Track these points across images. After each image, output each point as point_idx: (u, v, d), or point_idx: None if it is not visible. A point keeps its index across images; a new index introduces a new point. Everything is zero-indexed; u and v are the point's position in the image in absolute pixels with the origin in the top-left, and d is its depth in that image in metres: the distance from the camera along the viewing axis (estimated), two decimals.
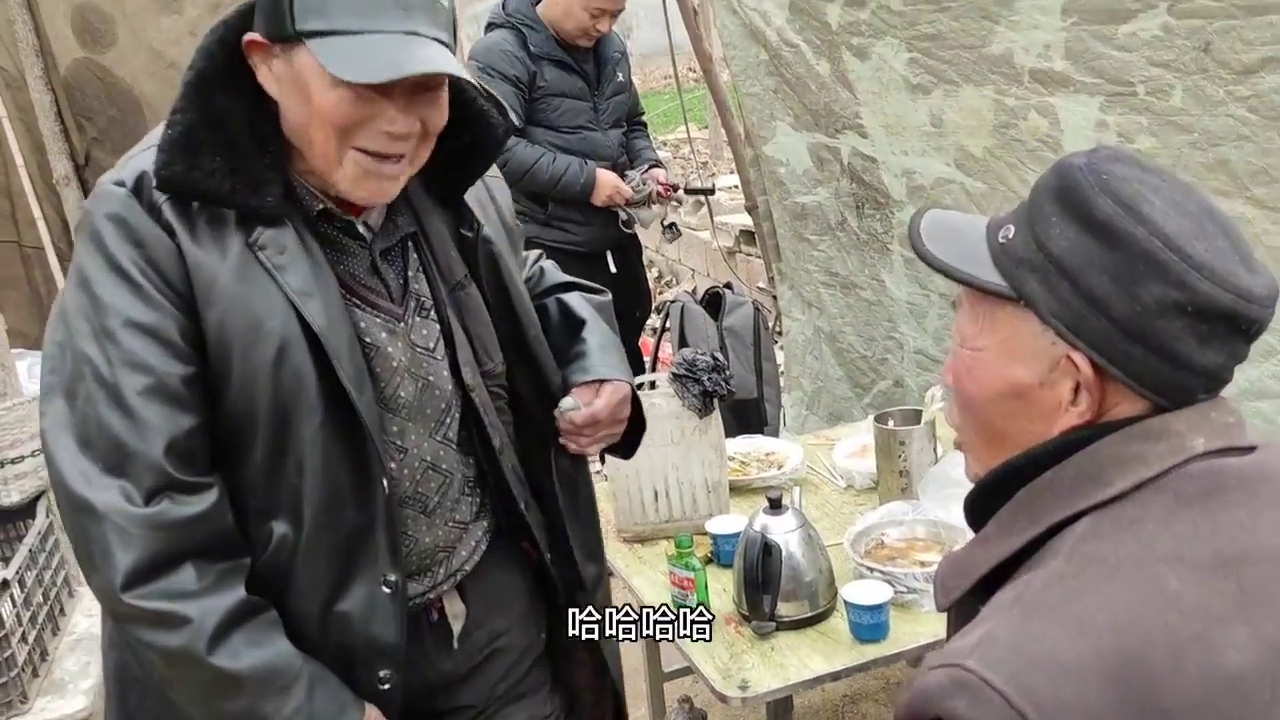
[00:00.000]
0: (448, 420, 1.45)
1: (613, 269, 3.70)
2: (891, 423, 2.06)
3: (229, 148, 1.25)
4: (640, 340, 4.70)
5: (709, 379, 1.98)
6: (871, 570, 1.79)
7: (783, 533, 1.73)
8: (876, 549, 1.89)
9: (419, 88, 1.26)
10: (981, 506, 0.97)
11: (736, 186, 6.04)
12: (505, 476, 1.51)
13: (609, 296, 1.73)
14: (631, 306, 3.86)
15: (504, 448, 1.51)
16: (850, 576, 1.83)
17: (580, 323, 1.62)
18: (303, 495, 1.30)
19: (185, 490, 1.24)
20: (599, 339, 1.60)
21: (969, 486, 1.00)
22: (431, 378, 1.42)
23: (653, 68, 12.45)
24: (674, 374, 2.00)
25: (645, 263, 6.53)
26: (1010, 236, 0.94)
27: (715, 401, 2.01)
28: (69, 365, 1.24)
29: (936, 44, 2.78)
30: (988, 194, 2.86)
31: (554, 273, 1.73)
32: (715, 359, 2.01)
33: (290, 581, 1.32)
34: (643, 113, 3.86)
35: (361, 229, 1.37)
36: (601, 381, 1.54)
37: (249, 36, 1.25)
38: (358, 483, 1.33)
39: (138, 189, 1.25)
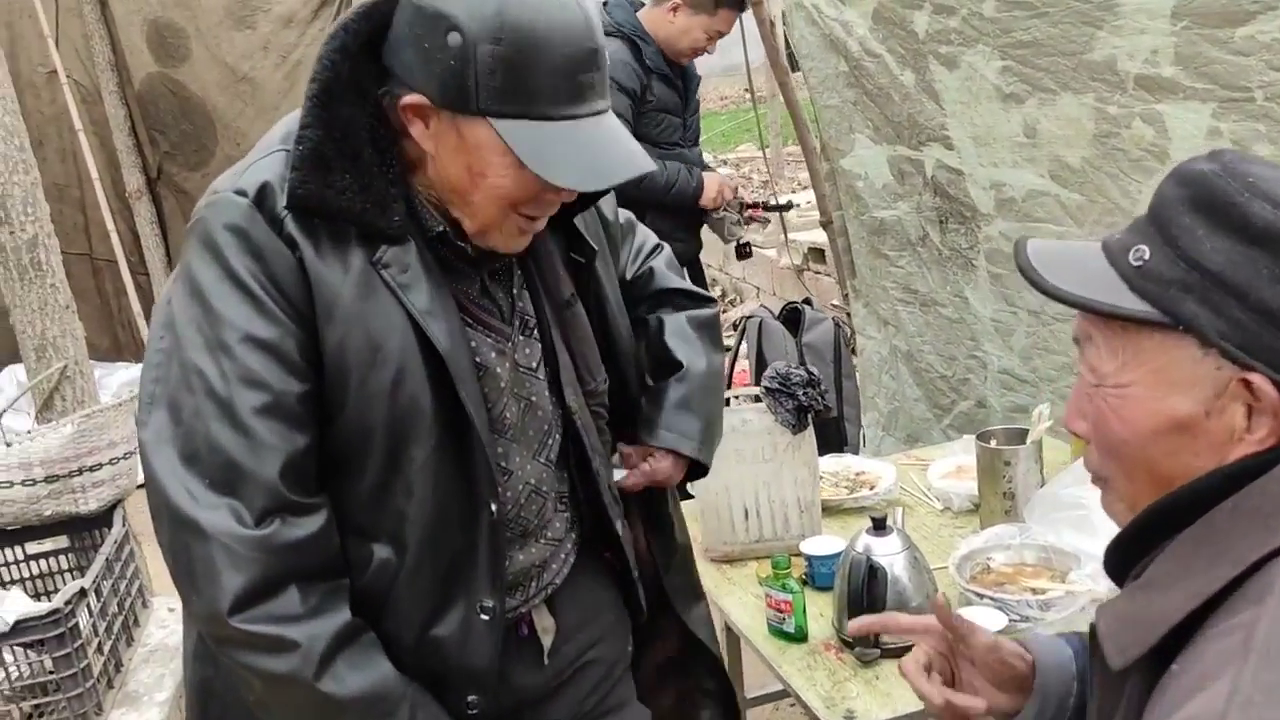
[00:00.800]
0: (549, 442, 1.41)
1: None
2: (994, 442, 1.96)
3: (355, 163, 1.21)
4: None
5: (803, 393, 1.89)
6: (981, 596, 1.69)
7: (887, 555, 1.63)
8: (983, 574, 1.79)
9: None
10: (1136, 550, 0.88)
11: (806, 203, 5.97)
12: (601, 497, 1.45)
13: (716, 309, 1.66)
14: None
15: (602, 469, 1.45)
16: (957, 602, 1.73)
17: (673, 365, 1.56)
18: (407, 519, 1.25)
19: (297, 511, 1.19)
20: (681, 392, 1.54)
21: (1079, 510, 0.93)
22: (534, 398, 1.38)
23: (707, 88, 12.47)
24: (766, 388, 1.91)
25: (708, 281, 6.49)
26: (1146, 258, 0.85)
27: (809, 417, 1.92)
28: (175, 375, 1.19)
29: (1032, 51, 2.69)
30: (1085, 206, 2.75)
31: (664, 274, 1.65)
32: (809, 373, 1.92)
33: (387, 605, 1.26)
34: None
35: (472, 250, 1.32)
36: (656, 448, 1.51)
37: (413, 100, 1.18)
38: (465, 507, 1.28)
39: (260, 200, 1.19)
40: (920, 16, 3.07)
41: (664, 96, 3.56)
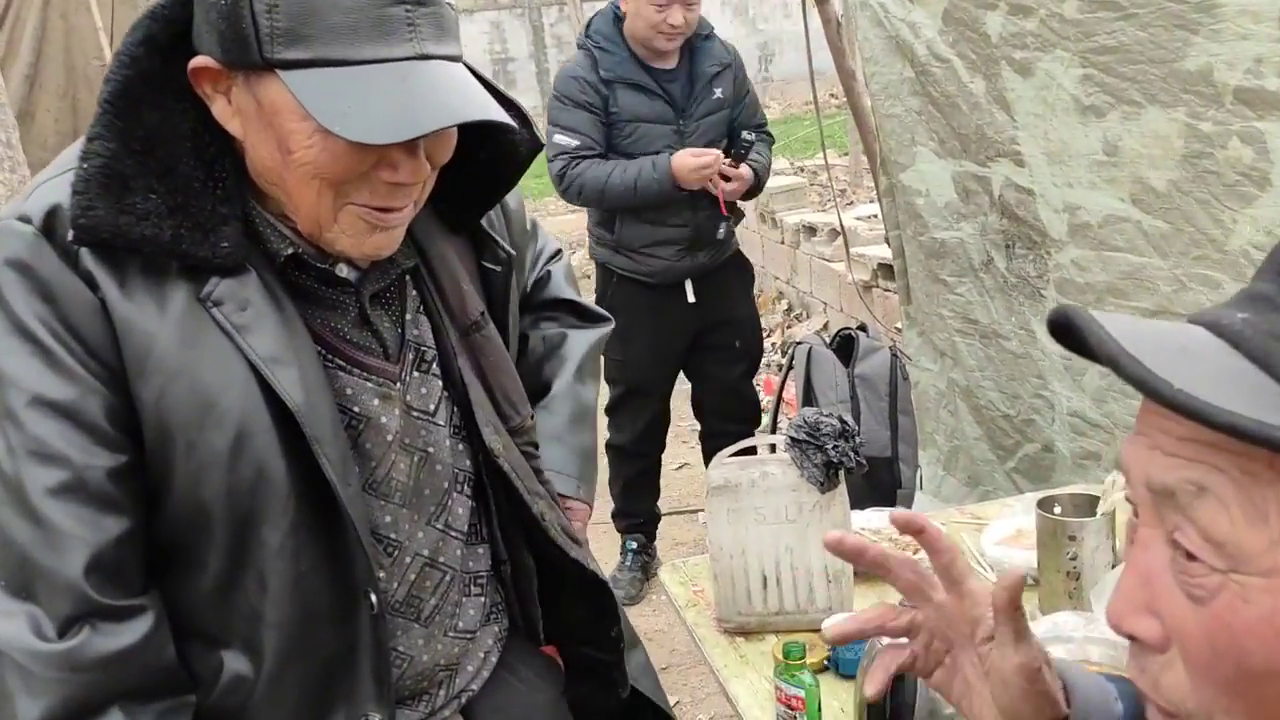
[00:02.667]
0: (447, 502, 1.16)
1: (691, 298, 3.43)
2: (1059, 510, 1.69)
3: (165, 180, 0.97)
4: (763, 377, 4.36)
5: (834, 447, 1.64)
6: None
7: None
8: None
9: None
10: None
11: (874, 216, 5.69)
12: (552, 554, 1.23)
13: (608, 327, 1.46)
14: (726, 339, 3.55)
15: (547, 513, 1.22)
16: None
17: (545, 388, 1.37)
18: (263, 619, 1.02)
19: (111, 616, 0.97)
20: (554, 424, 1.35)
21: None
22: (431, 449, 1.14)
23: (796, 93, 12.17)
24: (792, 438, 1.67)
25: (775, 294, 6.24)
26: None
27: (841, 474, 1.68)
28: None
29: (1117, 58, 2.41)
30: (1170, 235, 2.46)
31: (560, 282, 1.44)
32: (843, 424, 1.67)
33: None
34: (763, 122, 3.51)
35: (345, 271, 1.09)
36: None
37: (197, 62, 0.96)
38: (337, 598, 1.04)
39: (49, 228, 0.97)
40: (994, 17, 2.81)
41: (632, 105, 3.29)
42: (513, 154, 1.17)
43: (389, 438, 1.10)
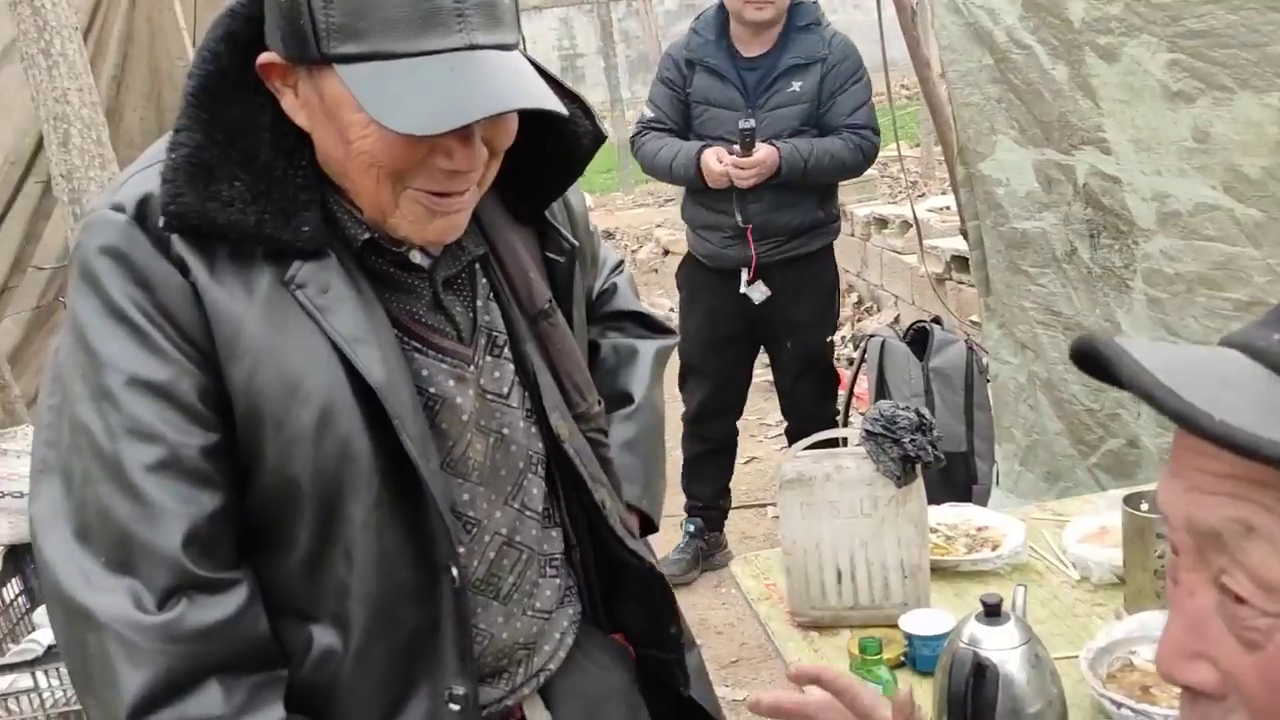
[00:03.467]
0: (523, 483, 1.18)
1: (743, 289, 3.38)
2: (1146, 507, 1.64)
3: (248, 168, 1.00)
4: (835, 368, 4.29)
5: (911, 441, 1.61)
6: (1119, 706, 1.38)
7: (1000, 649, 1.35)
8: (1124, 672, 1.48)
9: None
10: None
11: (947, 208, 5.59)
12: (614, 532, 1.23)
13: (675, 339, 1.48)
14: (779, 338, 3.51)
15: (608, 501, 1.22)
16: (1089, 709, 1.43)
17: (625, 397, 1.38)
18: (350, 593, 1.04)
19: (208, 589, 0.99)
20: (629, 432, 1.36)
21: None
22: (506, 430, 1.16)
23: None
24: (868, 431, 1.64)
25: (844, 288, 6.15)
26: None
27: (918, 468, 1.64)
28: (66, 437, 1.00)
29: (1207, 42, 2.33)
30: (1265, 225, 2.37)
31: (627, 293, 1.46)
32: (920, 416, 1.64)
33: (334, 699, 1.06)
34: (859, 124, 3.39)
35: (418, 257, 1.11)
36: None
37: (264, 58, 1.00)
38: (420, 573, 1.06)
39: (141, 215, 1.00)
40: (1077, 3, 2.74)
41: (705, 89, 3.35)
42: (576, 146, 1.17)
43: (464, 418, 1.12)
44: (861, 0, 17.97)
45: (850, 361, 5.32)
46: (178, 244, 0.99)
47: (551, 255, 1.23)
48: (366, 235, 1.06)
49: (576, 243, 1.25)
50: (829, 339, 3.53)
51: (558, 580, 1.23)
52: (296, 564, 1.05)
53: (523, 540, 1.18)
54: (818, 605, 1.72)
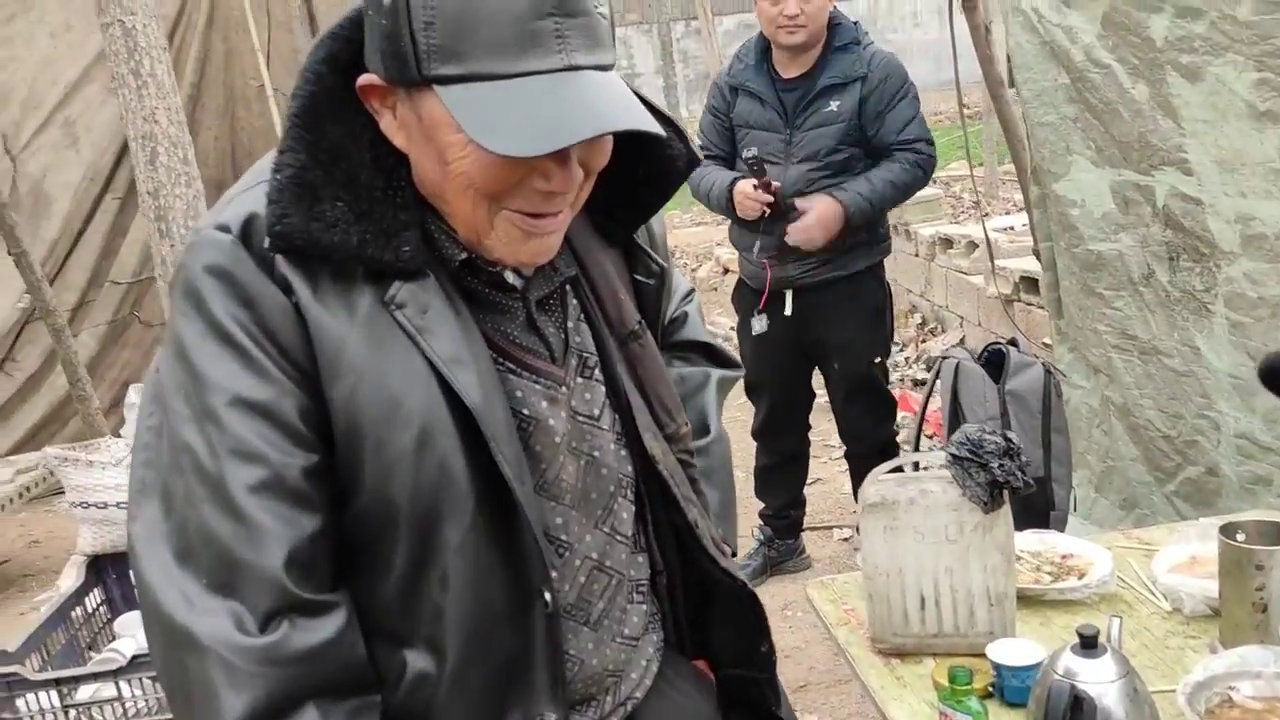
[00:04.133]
0: (613, 506, 1.17)
1: (787, 310, 3.37)
2: (1242, 537, 1.59)
3: (350, 189, 1.01)
4: (898, 392, 4.25)
5: (999, 466, 1.58)
6: None
7: (1098, 682, 1.32)
8: (1223, 708, 1.43)
9: None
10: None
11: (1011, 228, 5.52)
12: (703, 562, 1.22)
13: (738, 373, 1.47)
14: (825, 359, 3.49)
15: (700, 520, 1.21)
16: None
17: (701, 429, 1.37)
18: (445, 617, 1.04)
19: (309, 611, 0.99)
20: (706, 463, 1.34)
21: None
22: (597, 453, 1.15)
23: (927, 103, 11.86)
24: (953, 455, 1.62)
25: (908, 308, 6.09)
26: None
27: (1005, 494, 1.61)
28: (166, 457, 1.00)
29: None
30: None
31: (696, 323, 1.45)
32: (1008, 441, 1.61)
33: None
34: (911, 138, 3.33)
35: (511, 278, 1.11)
36: None
37: (364, 79, 1.00)
38: (514, 597, 1.05)
39: (245, 235, 1.00)
40: (1159, 21, 2.69)
41: (746, 112, 3.37)
42: (669, 169, 1.17)
43: (557, 440, 1.11)
44: (922, 19, 17.91)
45: (918, 383, 5.27)
46: (282, 264, 0.99)
47: (640, 278, 1.23)
48: (463, 255, 1.06)
49: (666, 265, 1.25)
50: (876, 360, 3.47)
51: (644, 606, 1.22)
52: (392, 587, 1.04)
53: (613, 565, 1.17)
54: (900, 632, 1.69)
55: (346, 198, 1.00)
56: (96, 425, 4.15)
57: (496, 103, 0.93)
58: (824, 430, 3.97)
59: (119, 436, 2.75)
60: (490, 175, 0.98)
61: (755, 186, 3.25)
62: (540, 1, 0.94)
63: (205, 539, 0.97)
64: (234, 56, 5.42)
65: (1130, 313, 3.19)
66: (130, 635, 2.22)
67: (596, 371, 1.17)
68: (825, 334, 3.42)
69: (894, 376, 5.17)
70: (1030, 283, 4.48)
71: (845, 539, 3.90)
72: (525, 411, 1.09)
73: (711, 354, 1.44)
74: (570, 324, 1.16)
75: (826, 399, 3.65)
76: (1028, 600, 1.78)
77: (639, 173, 1.16)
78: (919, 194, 3.66)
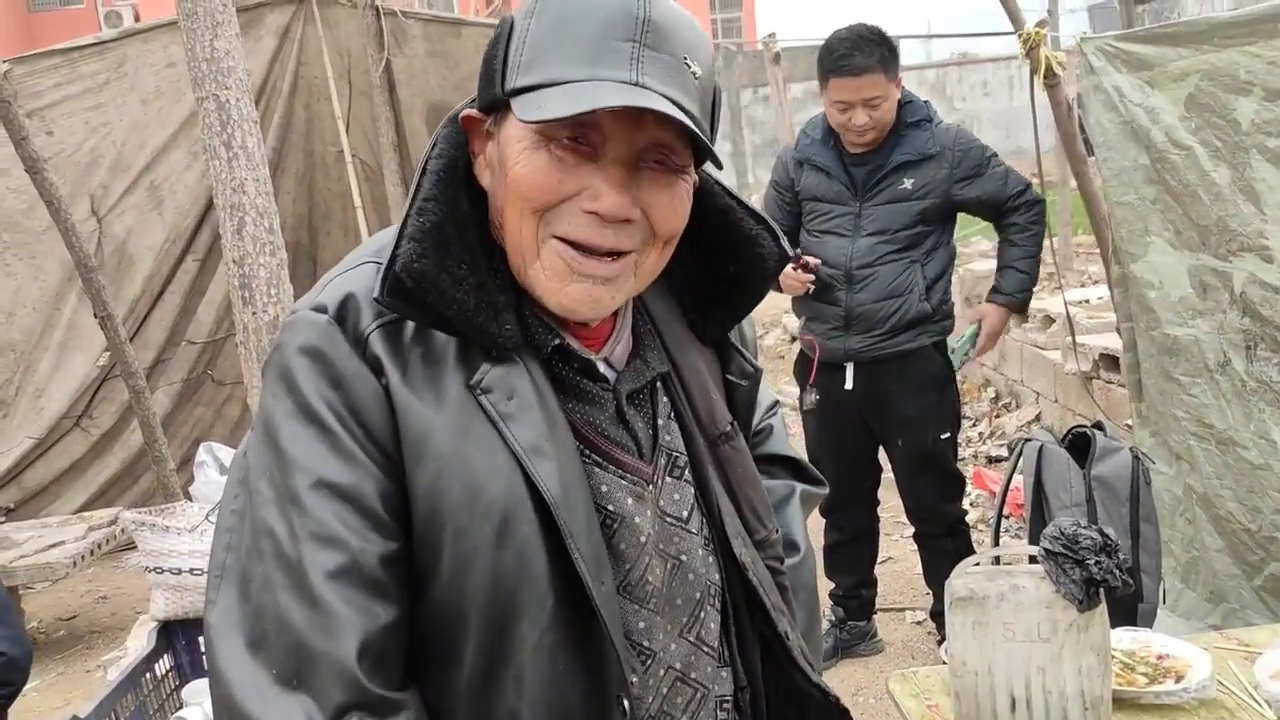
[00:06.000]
0: (700, 615, 1.11)
1: (848, 384, 3.37)
2: None
3: (472, 257, 1.00)
4: (971, 469, 4.17)
5: (1095, 563, 1.53)
6: None
7: None
8: None
9: (640, 160, 0.98)
10: None
11: (1087, 301, 5.42)
12: (794, 676, 1.15)
13: (823, 491, 1.41)
14: (888, 435, 3.46)
15: (790, 631, 1.15)
16: None
17: (790, 545, 1.30)
18: (521, 715, 0.99)
19: (377, 711, 0.94)
20: (791, 582, 1.26)
21: None
22: (684, 557, 1.10)
23: None
24: (1047, 550, 1.57)
25: (981, 382, 6.00)
26: None
27: (1101, 593, 1.56)
28: (247, 540, 0.97)
29: None
30: None
31: (781, 436, 1.40)
32: (1104, 537, 1.56)
33: None
34: (1017, 192, 3.35)
35: (603, 368, 1.08)
36: None
37: (466, 112, 1.02)
38: (592, 704, 1.00)
39: (341, 316, 0.99)
40: (1246, 104, 2.65)
41: (813, 185, 3.42)
42: (760, 267, 1.14)
43: (643, 539, 1.06)
44: (991, 89, 17.92)
45: (991, 460, 5.16)
46: (375, 343, 0.98)
47: (733, 378, 1.20)
48: (556, 341, 1.05)
49: (761, 368, 1.23)
50: (943, 435, 3.42)
51: None
52: (464, 687, 1.00)
53: (697, 677, 1.11)
54: None
55: (469, 262, 1.00)
56: (170, 487, 4.21)
57: (552, 95, 0.94)
58: (894, 508, 3.89)
59: (189, 498, 2.77)
60: (531, 180, 0.96)
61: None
62: (628, 26, 0.94)
63: (279, 626, 0.94)
64: (315, 123, 5.56)
65: (1206, 400, 3.10)
66: (198, 704, 2.21)
67: (686, 472, 1.12)
68: (890, 409, 3.38)
69: (966, 453, 5.08)
70: (1110, 360, 4.39)
71: (919, 622, 3.80)
72: (610, 507, 1.04)
73: (796, 470, 1.39)
74: (660, 421, 1.12)
75: (893, 474, 3.58)
76: (1121, 703, 1.71)
77: (730, 272, 1.14)
78: (993, 266, 3.65)
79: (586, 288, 0.99)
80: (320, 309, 1.00)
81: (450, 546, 0.97)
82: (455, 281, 0.98)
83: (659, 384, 1.13)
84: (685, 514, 1.11)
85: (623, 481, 1.06)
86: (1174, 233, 3.11)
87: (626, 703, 1.01)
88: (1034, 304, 5.75)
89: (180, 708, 2.29)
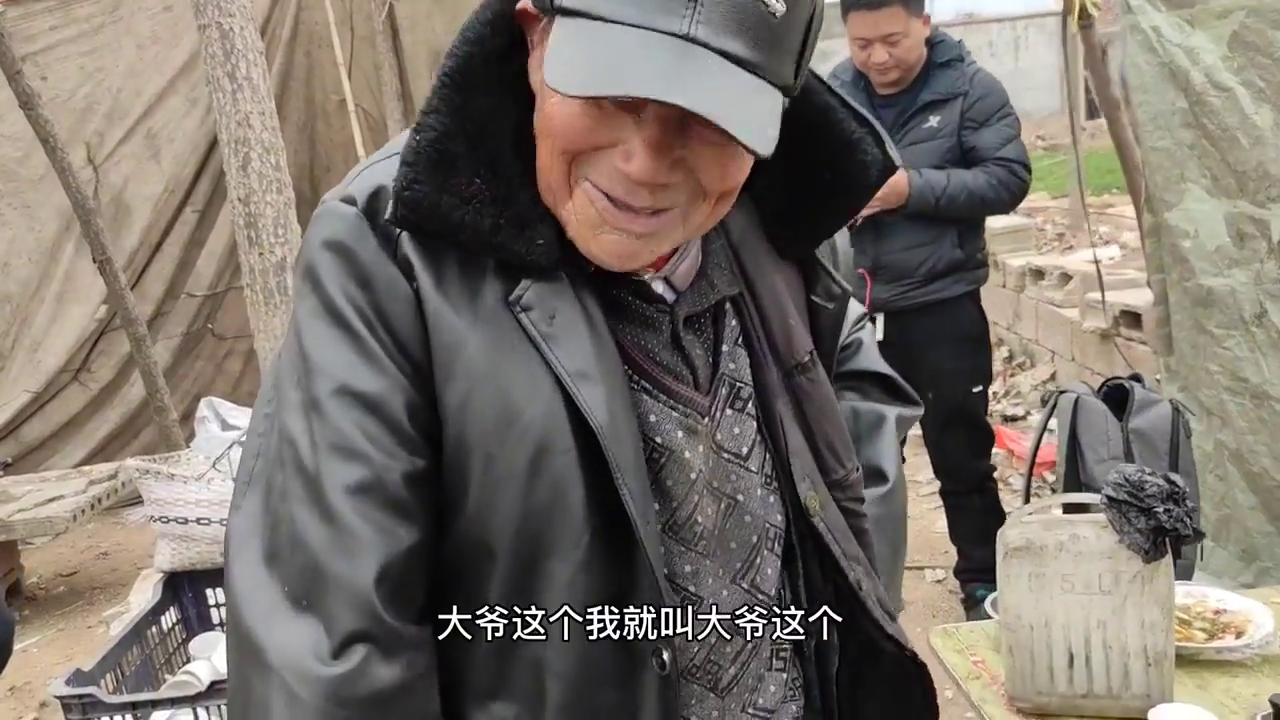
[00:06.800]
0: (756, 560, 1.01)
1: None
2: None
3: (492, 169, 0.89)
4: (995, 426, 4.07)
5: (1164, 511, 1.44)
6: None
7: None
8: None
9: (686, 122, 0.84)
10: None
11: (1114, 259, 5.32)
12: (866, 627, 1.04)
13: (919, 410, 1.29)
14: (919, 388, 3.31)
15: (864, 581, 1.04)
16: None
17: (877, 475, 1.19)
18: (547, 668, 0.90)
19: (388, 644, 0.86)
20: (879, 512, 1.15)
21: None
22: (740, 496, 0.99)
23: None
24: (1110, 498, 1.48)
25: (995, 341, 5.88)
26: None
27: (1168, 543, 1.47)
28: (273, 448, 0.90)
29: None
30: None
31: (870, 351, 1.28)
32: (1172, 484, 1.47)
33: None
34: (1004, 157, 3.18)
35: (661, 288, 0.97)
36: None
37: (522, 4, 0.90)
38: (623, 652, 0.90)
39: (372, 209, 0.90)
40: None
41: None
42: (860, 177, 1.00)
43: (692, 476, 0.96)
44: (998, 49, 17.68)
45: (1007, 418, 5.08)
46: (406, 244, 0.88)
47: (817, 300, 1.06)
48: None
49: (849, 288, 1.09)
50: (976, 389, 3.32)
51: (784, 674, 1.06)
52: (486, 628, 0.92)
53: (751, 626, 1.01)
54: (1044, 691, 1.54)
55: (486, 176, 0.89)
56: (172, 437, 4.12)
57: (590, 41, 0.81)
58: (912, 465, 3.81)
59: (189, 449, 2.68)
60: (564, 123, 0.85)
61: None
62: None
63: (294, 541, 0.87)
64: (316, 70, 5.42)
65: (1241, 353, 3.02)
66: (205, 658, 2.14)
67: (751, 405, 1.01)
68: (921, 361, 3.25)
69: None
70: (1132, 317, 4.30)
71: (938, 580, 3.73)
72: (658, 440, 0.95)
73: (889, 387, 1.27)
74: (726, 348, 1.00)
75: (918, 430, 3.48)
76: (1180, 660, 1.62)
77: (825, 180, 1.00)
78: (1008, 222, 3.51)
79: (620, 240, 0.89)
80: (349, 200, 0.91)
81: (479, 473, 0.88)
82: (461, 202, 0.87)
83: (728, 307, 1.01)
84: (745, 450, 1.01)
85: (674, 413, 0.96)
86: (1211, 179, 3.01)
87: (666, 652, 0.91)
88: (1048, 261, 5.66)
89: (188, 661, 2.22)
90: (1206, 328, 3.11)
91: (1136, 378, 2.50)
